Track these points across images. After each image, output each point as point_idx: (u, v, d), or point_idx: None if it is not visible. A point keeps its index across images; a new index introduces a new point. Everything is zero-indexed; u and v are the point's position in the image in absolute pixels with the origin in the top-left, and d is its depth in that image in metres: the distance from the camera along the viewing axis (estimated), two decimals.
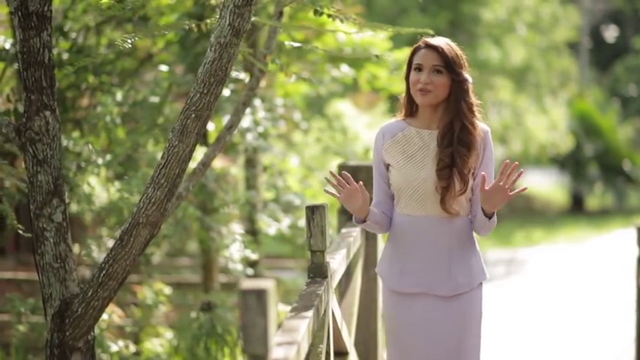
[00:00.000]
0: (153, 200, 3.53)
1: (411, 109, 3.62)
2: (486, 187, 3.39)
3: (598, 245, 15.09)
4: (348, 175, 3.48)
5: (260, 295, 2.22)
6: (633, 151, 22.70)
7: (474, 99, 3.55)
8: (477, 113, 3.54)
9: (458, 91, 3.50)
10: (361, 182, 3.49)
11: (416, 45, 3.56)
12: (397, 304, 3.60)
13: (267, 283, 2.27)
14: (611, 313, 9.01)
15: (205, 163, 4.03)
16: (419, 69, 3.51)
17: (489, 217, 3.49)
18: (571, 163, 22.03)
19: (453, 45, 3.55)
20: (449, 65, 3.49)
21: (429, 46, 3.51)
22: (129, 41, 3.69)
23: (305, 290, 3.39)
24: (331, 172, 3.49)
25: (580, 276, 11.59)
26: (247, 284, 2.26)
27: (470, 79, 3.54)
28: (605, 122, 21.92)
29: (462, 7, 18.05)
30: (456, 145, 3.48)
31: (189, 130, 3.47)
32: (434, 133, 3.55)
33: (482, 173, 3.43)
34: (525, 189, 3.42)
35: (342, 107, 10.70)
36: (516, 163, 3.35)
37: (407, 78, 3.58)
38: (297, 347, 2.61)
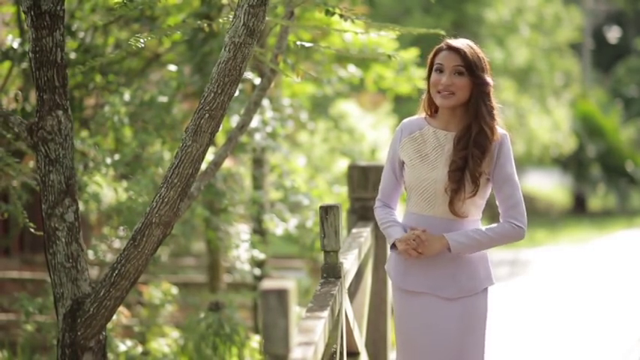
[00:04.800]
0: (166, 200, 3.52)
1: (432, 109, 3.60)
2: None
3: (601, 246, 15.08)
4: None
5: (281, 295, 2.22)
6: (636, 151, 22.68)
7: (494, 103, 3.53)
8: (496, 117, 3.52)
9: (478, 94, 3.49)
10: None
11: (438, 46, 3.54)
12: (402, 300, 3.62)
13: (288, 284, 2.26)
14: (615, 314, 9.00)
15: (217, 163, 4.03)
16: (440, 70, 3.49)
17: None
18: (574, 164, 22.02)
19: (476, 47, 3.53)
20: (470, 67, 3.47)
21: (450, 48, 3.50)
22: (141, 41, 3.68)
23: (319, 290, 3.39)
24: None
25: (583, 277, 11.59)
26: (268, 284, 2.25)
27: (491, 83, 3.52)
28: (607, 123, 21.92)
29: (466, 8, 18.06)
30: (471, 147, 3.46)
31: (202, 129, 3.46)
32: (450, 134, 3.53)
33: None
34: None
35: (347, 107, 10.70)
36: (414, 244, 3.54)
37: (428, 79, 3.57)
38: (315, 348, 2.61)
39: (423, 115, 3.62)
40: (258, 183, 7.29)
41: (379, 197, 3.70)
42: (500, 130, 3.52)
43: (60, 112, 3.61)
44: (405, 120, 3.68)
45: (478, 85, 3.48)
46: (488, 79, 3.51)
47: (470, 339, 3.54)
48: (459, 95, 3.48)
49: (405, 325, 3.61)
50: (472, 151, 3.46)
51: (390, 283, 5.45)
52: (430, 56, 3.56)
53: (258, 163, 7.31)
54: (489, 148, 3.48)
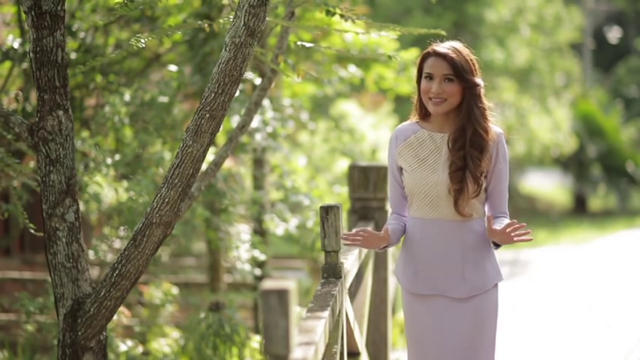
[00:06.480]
0: (167, 200, 3.53)
1: (424, 113, 3.61)
2: (493, 227, 3.43)
3: (601, 246, 15.07)
4: (359, 230, 3.48)
5: (281, 295, 2.22)
6: (636, 152, 22.65)
7: (486, 103, 3.54)
8: (489, 117, 3.53)
9: (470, 97, 3.50)
10: (368, 229, 3.50)
11: (425, 52, 3.55)
12: (413, 304, 3.63)
13: (288, 283, 2.26)
14: (616, 314, 9.00)
15: (217, 163, 4.03)
16: (430, 77, 3.50)
17: (496, 245, 3.57)
18: (574, 164, 21.99)
19: (463, 50, 3.52)
20: (459, 73, 3.47)
21: (438, 55, 3.49)
22: (142, 41, 3.68)
23: (320, 290, 3.39)
24: (344, 235, 3.49)
25: (584, 277, 11.58)
26: (268, 284, 2.25)
27: (481, 84, 3.53)
28: (608, 123, 21.89)
29: (466, 8, 18.04)
30: (468, 147, 3.48)
31: (203, 130, 3.47)
32: (446, 136, 3.55)
33: (487, 216, 3.44)
34: (531, 239, 3.40)
35: (348, 107, 10.70)
36: (524, 224, 3.38)
37: (418, 82, 3.57)
38: (315, 348, 2.61)
39: (415, 119, 3.63)
40: (258, 183, 7.29)
41: (392, 210, 3.71)
42: (495, 128, 3.54)
43: (60, 112, 3.62)
44: (397, 127, 3.69)
45: (469, 88, 3.49)
46: (478, 80, 3.51)
47: (481, 337, 3.57)
48: (451, 101, 3.50)
49: (416, 327, 3.62)
50: (470, 152, 3.48)
51: (390, 283, 5.46)
52: (418, 61, 3.57)
53: (258, 163, 7.31)
54: (487, 148, 3.50)
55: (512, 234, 3.39)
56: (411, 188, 3.57)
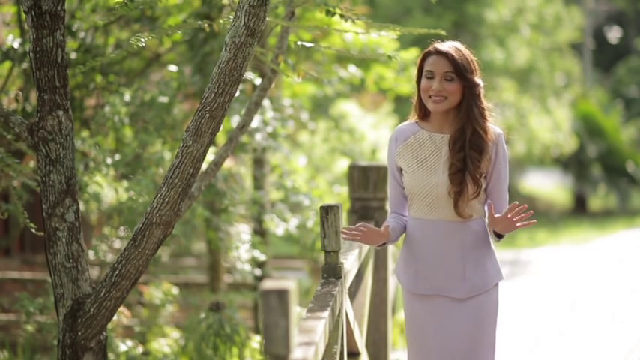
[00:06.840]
0: (167, 200, 3.53)
1: (423, 113, 3.61)
2: (495, 215, 3.44)
3: (601, 246, 15.07)
4: (359, 225, 3.51)
5: (282, 295, 2.22)
6: (636, 152, 22.65)
7: (485, 103, 3.54)
8: (488, 117, 3.54)
9: (469, 96, 3.50)
10: (365, 224, 3.52)
11: (426, 50, 3.56)
12: (414, 304, 3.64)
13: (288, 283, 2.26)
14: (616, 314, 9.00)
15: (217, 163, 4.03)
16: (430, 75, 3.51)
17: (499, 237, 3.56)
18: (574, 164, 22.00)
19: (464, 49, 3.54)
20: (459, 72, 3.48)
21: (439, 53, 3.50)
22: (142, 41, 3.69)
23: (320, 290, 3.39)
24: (343, 230, 3.52)
25: (584, 277, 11.59)
26: (268, 284, 2.25)
27: (481, 84, 3.54)
28: (608, 123, 21.89)
29: (466, 8, 18.05)
30: (468, 149, 3.48)
31: (203, 130, 3.47)
32: (446, 137, 3.55)
33: (489, 202, 3.46)
34: (534, 222, 3.41)
35: (348, 107, 10.70)
36: (525, 206, 3.41)
37: (418, 82, 3.58)
38: (315, 348, 2.61)
39: (415, 119, 3.63)
40: (258, 183, 7.29)
41: (391, 210, 3.71)
42: (495, 129, 3.54)
43: (60, 112, 3.62)
44: (397, 127, 3.69)
45: (468, 87, 3.49)
46: (478, 80, 3.52)
47: (482, 336, 3.58)
48: (451, 99, 3.50)
49: (416, 327, 3.63)
50: (470, 154, 3.48)
51: (390, 283, 5.46)
52: (419, 60, 3.58)
53: (258, 163, 7.31)
54: (486, 149, 3.50)
55: (515, 219, 3.39)
56: (411, 189, 3.57)
